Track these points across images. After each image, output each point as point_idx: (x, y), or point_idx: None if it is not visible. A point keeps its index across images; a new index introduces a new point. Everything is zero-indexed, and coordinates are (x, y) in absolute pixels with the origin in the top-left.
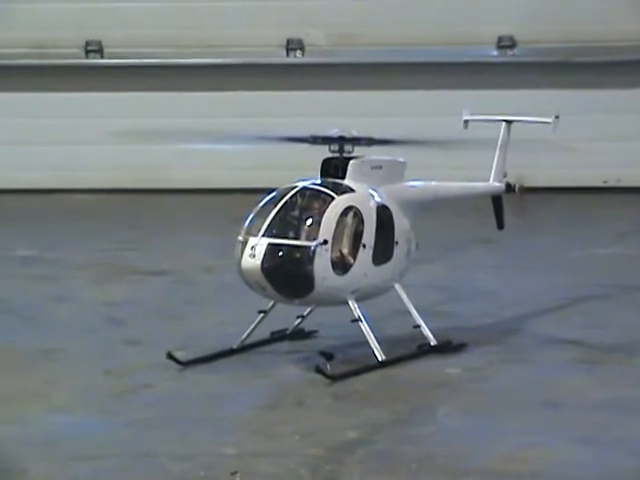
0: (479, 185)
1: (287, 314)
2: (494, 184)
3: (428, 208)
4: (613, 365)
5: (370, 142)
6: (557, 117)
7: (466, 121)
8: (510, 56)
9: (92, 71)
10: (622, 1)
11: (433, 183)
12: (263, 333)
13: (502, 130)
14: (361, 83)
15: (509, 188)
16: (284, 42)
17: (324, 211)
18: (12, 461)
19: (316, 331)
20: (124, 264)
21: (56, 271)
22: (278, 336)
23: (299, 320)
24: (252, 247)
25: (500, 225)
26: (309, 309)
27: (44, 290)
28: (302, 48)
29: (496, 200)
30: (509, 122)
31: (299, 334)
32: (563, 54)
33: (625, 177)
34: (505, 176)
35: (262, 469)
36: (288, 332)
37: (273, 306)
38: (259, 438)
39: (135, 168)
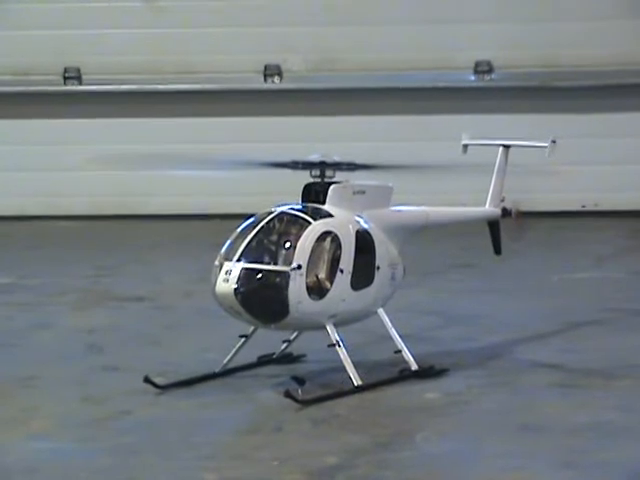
0: (474, 210)
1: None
2: (490, 209)
3: (419, 233)
4: (593, 389)
5: (352, 167)
6: (554, 142)
7: (465, 145)
8: (487, 81)
9: (70, 98)
10: (598, 27)
11: (424, 208)
12: (251, 357)
13: (499, 155)
14: (339, 109)
15: (505, 213)
16: (262, 68)
17: (300, 236)
18: None
19: (304, 355)
20: (104, 290)
21: (36, 298)
22: (264, 360)
23: (285, 344)
24: (226, 272)
25: (497, 250)
26: (295, 333)
27: (23, 317)
28: (280, 74)
29: (492, 225)
30: (507, 147)
31: (286, 358)
32: (540, 79)
33: (603, 201)
34: (503, 200)
35: None
36: (275, 356)
37: (255, 331)
38: (239, 463)
39: (114, 194)
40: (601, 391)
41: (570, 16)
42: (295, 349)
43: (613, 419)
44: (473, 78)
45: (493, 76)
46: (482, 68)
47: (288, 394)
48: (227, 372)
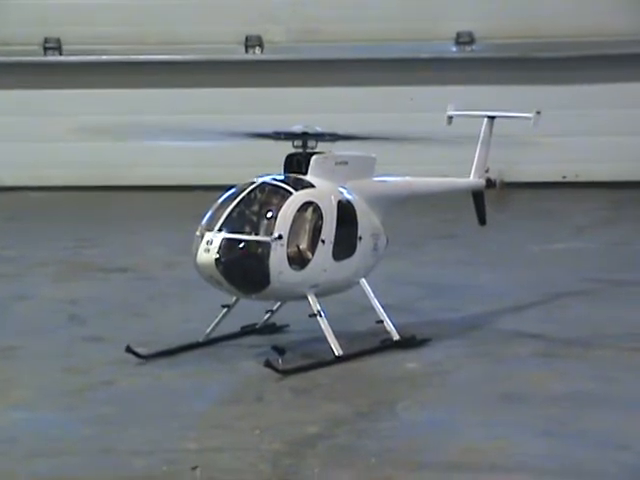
0: (459, 181)
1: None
2: (474, 180)
3: (402, 203)
4: (572, 358)
5: (334, 138)
6: (538, 113)
7: (450, 117)
8: (469, 52)
9: (51, 68)
10: None
11: (408, 179)
12: (234, 327)
13: (484, 125)
14: (321, 79)
15: (490, 183)
16: (243, 39)
17: (281, 206)
18: None
19: (287, 325)
20: (85, 261)
21: (15, 269)
22: (247, 330)
23: (268, 314)
24: (207, 242)
25: (482, 221)
26: (278, 304)
27: (4, 288)
28: (261, 45)
29: (477, 196)
30: (492, 118)
31: (269, 328)
32: (521, 50)
33: (583, 172)
34: (487, 171)
35: (223, 464)
36: (258, 326)
37: (237, 301)
38: (220, 433)
39: (95, 165)
40: (580, 361)
41: None
42: (278, 319)
43: (592, 389)
44: (454, 49)
45: (474, 47)
46: (463, 39)
47: (268, 364)
48: (210, 342)
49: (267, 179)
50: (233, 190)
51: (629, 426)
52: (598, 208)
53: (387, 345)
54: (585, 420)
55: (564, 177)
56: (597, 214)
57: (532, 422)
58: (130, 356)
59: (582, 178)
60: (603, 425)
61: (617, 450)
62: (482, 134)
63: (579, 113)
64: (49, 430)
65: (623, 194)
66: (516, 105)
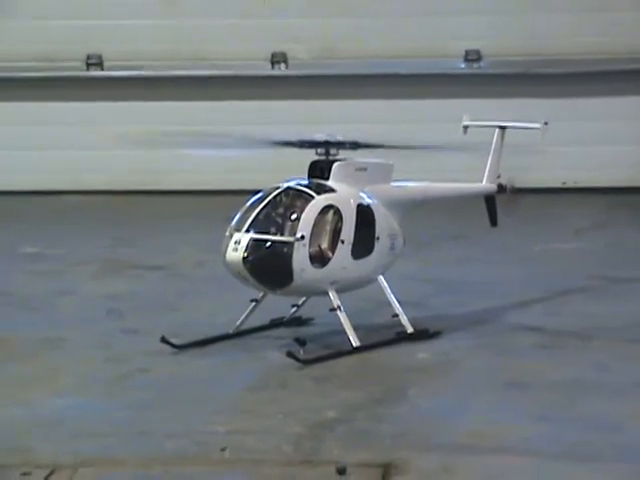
0: (472, 186)
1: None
2: (486, 185)
3: (418, 206)
4: (571, 349)
5: (354, 146)
6: (546, 123)
7: (465, 126)
8: (476, 68)
9: (92, 82)
10: (579, 17)
11: (423, 184)
12: (264, 320)
13: (496, 135)
14: (340, 93)
15: (501, 188)
16: (269, 56)
17: (304, 209)
18: (18, 440)
19: (312, 319)
20: (122, 260)
21: (60, 267)
22: (275, 323)
23: (294, 309)
24: (236, 241)
25: (493, 222)
26: (303, 299)
27: (48, 284)
28: (286, 61)
29: (489, 200)
30: (503, 128)
31: (296, 321)
32: (524, 66)
33: (582, 179)
34: (499, 177)
35: (249, 445)
36: (285, 320)
37: (265, 295)
38: (247, 417)
39: (133, 171)
40: (578, 351)
41: (552, 8)
42: (305, 313)
43: (588, 377)
44: (463, 66)
45: (482, 64)
46: (471, 56)
47: (290, 354)
48: (240, 333)
49: (292, 184)
50: (260, 194)
51: (621, 410)
52: (595, 212)
53: (401, 337)
54: (581, 405)
55: (564, 183)
56: (595, 217)
57: (532, 408)
58: (165, 346)
59: (581, 184)
60: (597, 409)
61: (610, 432)
62: (494, 143)
63: (577, 124)
64: (91, 414)
65: (618, 199)
66: (520, 117)
